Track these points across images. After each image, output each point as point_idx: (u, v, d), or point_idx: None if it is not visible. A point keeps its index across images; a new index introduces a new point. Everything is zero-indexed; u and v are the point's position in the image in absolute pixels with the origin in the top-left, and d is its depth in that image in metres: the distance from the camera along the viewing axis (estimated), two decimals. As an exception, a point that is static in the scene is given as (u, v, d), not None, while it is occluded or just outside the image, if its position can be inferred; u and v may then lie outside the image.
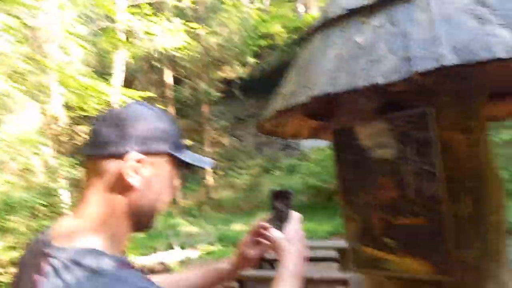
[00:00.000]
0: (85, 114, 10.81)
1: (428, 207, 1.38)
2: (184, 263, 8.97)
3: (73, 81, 9.09)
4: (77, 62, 11.30)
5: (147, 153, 0.74)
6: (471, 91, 1.41)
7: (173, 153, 0.78)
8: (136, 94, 10.42)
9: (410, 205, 1.42)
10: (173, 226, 13.58)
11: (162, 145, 0.77)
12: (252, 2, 21.34)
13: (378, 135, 1.41)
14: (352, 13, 1.36)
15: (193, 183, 19.68)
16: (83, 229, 0.69)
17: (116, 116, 0.75)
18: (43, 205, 6.64)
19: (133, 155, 0.72)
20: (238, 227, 13.97)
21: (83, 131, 12.09)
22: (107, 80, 11.44)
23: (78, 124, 12.69)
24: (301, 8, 23.44)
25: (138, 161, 0.73)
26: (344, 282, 5.57)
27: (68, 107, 12.14)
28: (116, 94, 9.90)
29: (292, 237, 0.91)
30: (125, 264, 0.66)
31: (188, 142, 20.06)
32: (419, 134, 1.31)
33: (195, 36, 16.94)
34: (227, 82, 20.94)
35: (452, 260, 1.41)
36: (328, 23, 1.45)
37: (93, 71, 13.76)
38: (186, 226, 13.81)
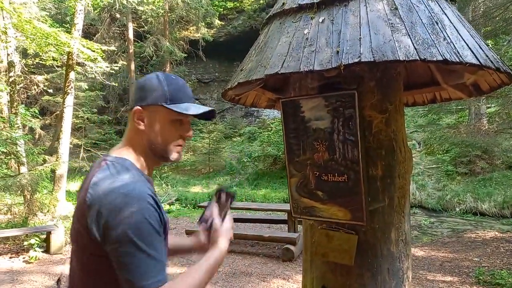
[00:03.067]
0: (43, 63, 10.39)
1: (349, 168, 1.79)
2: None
3: (30, 26, 8.62)
4: (33, 6, 10.69)
5: (145, 106, 1.11)
6: (389, 81, 1.79)
7: (163, 104, 1.10)
8: (97, 47, 10.13)
9: (336, 166, 1.82)
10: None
11: (155, 99, 1.11)
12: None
13: (316, 109, 1.77)
14: (303, 8, 1.67)
15: (153, 143, 19.65)
16: (124, 150, 1.14)
17: (139, 83, 1.17)
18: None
19: (136, 109, 1.11)
20: (197, 189, 14.36)
21: (40, 80, 11.62)
22: (67, 29, 10.94)
23: (34, 73, 12.14)
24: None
25: (140, 112, 1.11)
26: (291, 241, 6.17)
27: (24, 54, 11.50)
28: (76, 45, 9.56)
29: (224, 233, 1.18)
30: (143, 175, 1.10)
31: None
32: (346, 110, 1.68)
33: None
34: (191, 43, 20.55)
35: (365, 210, 1.84)
36: (284, 13, 1.75)
37: (51, 18, 13.04)
38: (144, 185, 13.94)
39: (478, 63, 1.38)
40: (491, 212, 9.86)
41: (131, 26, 18.04)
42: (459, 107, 7.73)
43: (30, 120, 7.82)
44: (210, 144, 17.43)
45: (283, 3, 1.78)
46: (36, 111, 8.21)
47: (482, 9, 9.29)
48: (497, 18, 8.34)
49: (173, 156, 1.14)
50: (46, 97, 14.36)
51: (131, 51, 17.90)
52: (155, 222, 0.98)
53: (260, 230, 7.59)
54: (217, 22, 19.96)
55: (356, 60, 1.36)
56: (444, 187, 11.67)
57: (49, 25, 9.31)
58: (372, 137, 1.81)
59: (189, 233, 6.65)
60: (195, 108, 1.12)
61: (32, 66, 11.89)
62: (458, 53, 1.37)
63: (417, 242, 7.21)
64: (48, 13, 13.38)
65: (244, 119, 22.89)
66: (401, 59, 1.33)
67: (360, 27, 1.45)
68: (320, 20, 1.58)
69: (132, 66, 17.74)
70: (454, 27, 1.50)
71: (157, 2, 15.64)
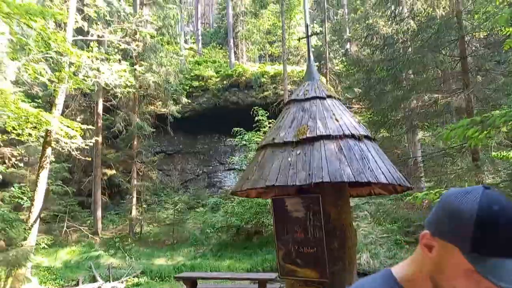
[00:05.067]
0: (19, 138, 10.86)
1: (317, 243, 2.75)
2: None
3: (14, 106, 9.24)
4: (9, 83, 11.37)
5: (438, 237, 0.79)
6: (340, 189, 2.86)
7: (460, 249, 0.75)
8: (77, 125, 10.83)
9: (309, 242, 2.78)
10: (94, 258, 13.55)
11: (450, 236, 0.77)
12: (186, 42, 22.68)
13: (295, 205, 2.77)
14: (287, 144, 2.74)
15: (116, 215, 19.55)
16: (407, 261, 0.93)
17: (447, 197, 0.82)
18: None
19: (424, 233, 0.82)
20: (161, 261, 14.40)
21: (13, 154, 11.88)
22: (38, 104, 11.61)
23: (4, 146, 12.38)
24: (232, 57, 25.60)
25: (428, 239, 0.81)
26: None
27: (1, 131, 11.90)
28: (57, 123, 10.25)
29: None
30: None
31: (114, 172, 20.09)
32: (314, 206, 2.69)
33: (132, 71, 17.67)
34: (158, 117, 21.71)
35: (328, 271, 2.77)
36: (274, 145, 2.82)
37: (22, 92, 13.65)
38: (108, 259, 13.84)
39: (387, 182, 2.47)
40: (436, 278, 10.93)
41: (101, 102, 18.94)
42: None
43: (21, 198, 8.12)
44: (174, 215, 17.72)
45: (273, 138, 2.86)
46: (28, 189, 8.55)
47: (417, 104, 11.38)
48: (426, 112, 10.47)
49: None
50: (11, 170, 14.41)
51: (99, 125, 18.59)
52: None
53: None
54: (184, 100, 21.42)
55: (320, 180, 2.40)
56: (394, 255, 12.76)
57: (21, 100, 9.99)
58: (330, 223, 2.82)
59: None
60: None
61: (4, 141, 12.25)
62: (376, 176, 2.46)
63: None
64: (20, 88, 14.03)
65: (207, 189, 23.49)
66: (345, 180, 2.39)
67: (321, 159, 2.53)
68: (298, 152, 2.65)
69: (100, 139, 18.32)
70: (375, 160, 2.62)
71: (130, 82, 16.84)
